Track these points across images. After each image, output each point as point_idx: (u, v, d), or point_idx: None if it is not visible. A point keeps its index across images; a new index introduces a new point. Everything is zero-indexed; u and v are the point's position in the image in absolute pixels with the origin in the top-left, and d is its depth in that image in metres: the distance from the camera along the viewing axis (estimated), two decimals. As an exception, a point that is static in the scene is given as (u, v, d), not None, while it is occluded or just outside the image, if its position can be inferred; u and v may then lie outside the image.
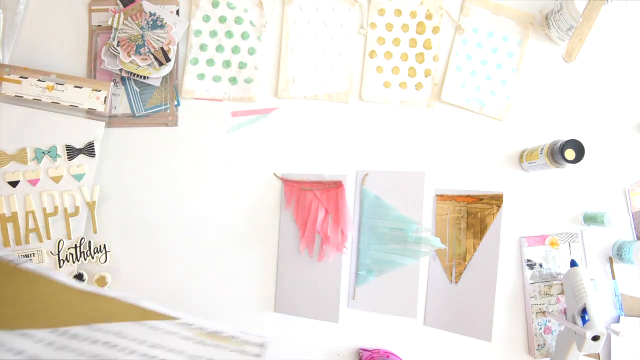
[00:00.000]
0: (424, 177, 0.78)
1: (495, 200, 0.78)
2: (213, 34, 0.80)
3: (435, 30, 0.81)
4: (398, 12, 0.81)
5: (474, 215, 0.78)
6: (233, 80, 0.80)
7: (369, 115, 0.80)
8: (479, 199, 0.78)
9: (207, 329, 0.51)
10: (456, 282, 0.77)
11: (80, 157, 0.75)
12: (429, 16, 0.81)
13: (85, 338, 0.46)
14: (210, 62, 0.80)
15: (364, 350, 0.76)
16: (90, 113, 0.76)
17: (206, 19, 0.80)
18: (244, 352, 0.53)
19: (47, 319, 0.47)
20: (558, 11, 0.77)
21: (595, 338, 0.67)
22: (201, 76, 0.79)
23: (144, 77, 0.77)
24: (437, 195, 0.79)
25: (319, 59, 0.80)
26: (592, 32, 0.73)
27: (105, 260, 0.75)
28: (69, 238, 0.74)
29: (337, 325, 0.77)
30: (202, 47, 0.80)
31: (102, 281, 0.75)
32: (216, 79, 0.80)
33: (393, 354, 0.75)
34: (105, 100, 0.76)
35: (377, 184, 0.77)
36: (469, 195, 0.78)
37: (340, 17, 0.81)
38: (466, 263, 0.77)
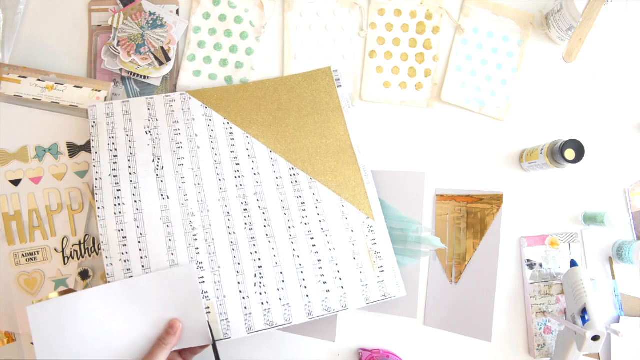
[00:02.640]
0: (424, 177, 0.78)
1: (496, 200, 0.78)
2: (212, 31, 0.80)
3: (435, 30, 0.81)
4: (398, 12, 0.81)
5: (474, 215, 0.78)
6: (229, 80, 0.80)
7: (369, 115, 0.80)
8: (479, 199, 0.78)
9: None
10: (456, 282, 0.77)
11: (82, 154, 0.76)
12: (429, 16, 0.81)
13: None
14: (207, 60, 0.80)
15: (364, 350, 0.76)
16: (91, 113, 0.76)
17: (206, 16, 0.80)
18: None
19: None
20: (558, 11, 0.77)
21: (595, 338, 0.67)
22: (197, 73, 0.79)
23: (144, 77, 0.77)
24: (437, 195, 0.79)
25: (323, 64, 0.80)
26: (592, 32, 0.73)
27: (108, 258, 0.75)
28: (74, 235, 0.74)
29: (337, 325, 0.77)
30: (200, 44, 0.80)
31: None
32: (212, 77, 0.80)
33: (393, 354, 0.75)
34: (105, 100, 0.76)
35: (378, 184, 0.77)
36: (469, 196, 0.78)
37: (341, 20, 0.81)
38: (466, 263, 0.77)
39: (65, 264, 0.74)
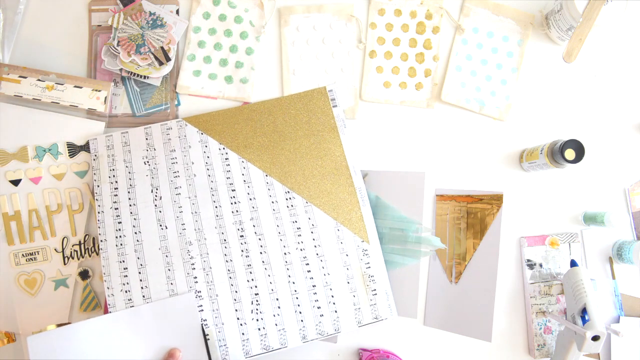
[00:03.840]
0: (424, 177, 0.78)
1: (496, 200, 0.78)
2: (212, 31, 0.80)
3: (435, 30, 0.81)
4: (398, 12, 0.81)
5: (474, 215, 0.78)
6: (229, 79, 0.80)
7: (369, 115, 0.80)
8: (479, 199, 0.78)
9: None
10: (456, 282, 0.77)
11: (82, 154, 0.76)
12: (429, 16, 0.81)
13: None
14: (207, 60, 0.80)
15: (364, 350, 0.76)
16: (91, 113, 0.76)
17: (206, 16, 0.80)
18: None
19: None
20: (558, 11, 0.77)
21: (595, 338, 0.67)
22: (197, 73, 0.79)
23: (144, 77, 0.77)
24: (437, 195, 0.79)
25: (322, 78, 0.80)
26: (592, 32, 0.73)
27: (107, 259, 0.75)
28: (74, 235, 0.74)
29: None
30: (200, 44, 0.80)
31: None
32: (212, 76, 0.80)
33: (393, 354, 0.75)
34: (105, 100, 0.76)
35: (377, 184, 0.77)
36: (469, 196, 0.78)
37: (338, 33, 0.81)
38: (466, 263, 0.77)
39: (65, 264, 0.74)
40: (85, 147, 0.76)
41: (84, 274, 0.74)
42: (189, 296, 0.69)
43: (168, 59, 0.76)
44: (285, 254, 0.72)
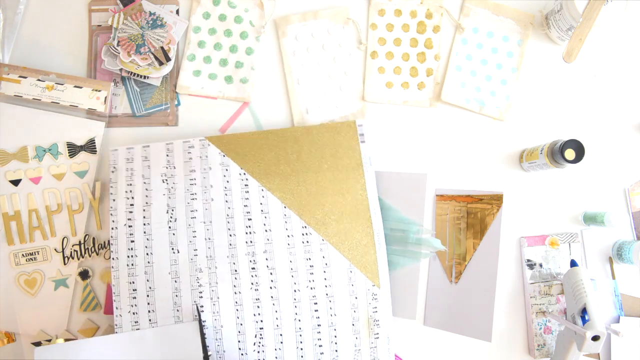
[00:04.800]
0: (426, 179, 0.78)
1: (495, 201, 0.78)
2: (212, 31, 0.80)
3: (436, 29, 0.81)
4: (398, 12, 0.81)
5: (474, 215, 0.78)
6: (229, 79, 0.80)
7: (372, 116, 0.80)
8: (479, 199, 0.78)
9: None
10: (456, 282, 0.77)
11: (82, 154, 0.75)
12: (429, 15, 0.81)
13: None
14: (207, 60, 0.80)
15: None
16: (91, 113, 0.76)
17: (206, 16, 0.80)
18: None
19: None
20: (558, 11, 0.77)
21: (595, 338, 0.67)
22: (197, 73, 0.79)
23: (144, 77, 0.77)
24: (437, 196, 0.79)
25: (327, 84, 0.80)
26: (592, 32, 0.73)
27: (110, 256, 0.75)
28: (73, 235, 0.74)
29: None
30: (200, 44, 0.80)
31: (107, 277, 0.75)
32: (212, 76, 0.80)
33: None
34: (105, 100, 0.76)
35: (380, 184, 0.77)
36: (469, 196, 0.78)
37: (337, 37, 0.81)
38: (466, 263, 0.77)
39: (65, 264, 0.74)
40: (85, 147, 0.76)
41: (84, 274, 0.74)
42: (194, 324, 0.67)
43: (168, 59, 0.76)
44: (295, 291, 0.71)
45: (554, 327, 0.77)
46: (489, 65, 0.81)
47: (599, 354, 0.77)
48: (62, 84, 0.75)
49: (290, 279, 0.71)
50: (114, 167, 0.73)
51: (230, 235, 0.71)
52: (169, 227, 0.71)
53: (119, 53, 0.75)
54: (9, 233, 0.73)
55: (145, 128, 0.78)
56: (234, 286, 0.70)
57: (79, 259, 0.74)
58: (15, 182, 0.74)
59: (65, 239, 0.74)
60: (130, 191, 0.72)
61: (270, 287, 0.71)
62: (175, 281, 0.70)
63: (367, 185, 0.74)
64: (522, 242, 0.78)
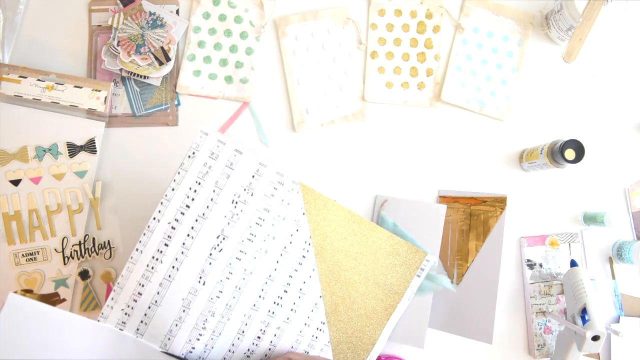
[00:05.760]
0: (444, 210, 0.76)
1: (499, 203, 0.78)
2: (212, 31, 0.80)
3: (436, 29, 0.81)
4: (398, 12, 0.81)
5: (477, 217, 0.78)
6: (229, 79, 0.80)
7: (372, 116, 0.80)
8: (483, 200, 0.78)
9: None
10: (458, 284, 0.77)
11: (82, 154, 0.75)
12: (429, 15, 0.81)
13: None
14: (207, 60, 0.80)
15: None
16: (91, 113, 0.76)
17: (206, 16, 0.80)
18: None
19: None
20: (558, 11, 0.77)
21: (595, 338, 0.67)
22: (197, 73, 0.79)
23: (144, 77, 0.77)
24: (440, 197, 0.79)
25: (327, 84, 0.80)
26: (592, 32, 0.73)
27: (110, 256, 0.75)
28: (73, 235, 0.74)
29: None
30: (200, 44, 0.80)
31: (107, 277, 0.75)
32: (212, 76, 0.80)
33: (396, 357, 0.76)
34: (105, 100, 0.76)
35: (396, 211, 0.76)
36: (472, 197, 0.78)
37: (337, 37, 0.81)
38: (468, 265, 0.77)
39: (65, 264, 0.74)
40: (85, 147, 0.76)
41: (84, 274, 0.74)
42: None
43: (168, 59, 0.76)
44: None
45: (554, 327, 0.77)
46: (489, 65, 0.81)
47: (599, 354, 0.77)
48: (62, 84, 0.75)
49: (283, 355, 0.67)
50: (193, 153, 0.62)
51: (260, 297, 0.64)
52: (210, 254, 0.62)
53: (119, 53, 0.75)
54: (9, 233, 0.73)
55: (145, 128, 0.78)
56: (232, 344, 0.64)
57: (79, 259, 0.74)
58: (15, 182, 0.74)
59: (65, 239, 0.74)
60: (195, 190, 0.62)
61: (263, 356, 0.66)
62: (184, 311, 0.62)
63: (393, 314, 0.69)
64: (522, 242, 0.78)
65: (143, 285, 0.61)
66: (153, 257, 0.61)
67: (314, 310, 0.67)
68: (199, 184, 0.62)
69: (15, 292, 0.58)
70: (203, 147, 0.62)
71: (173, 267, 0.61)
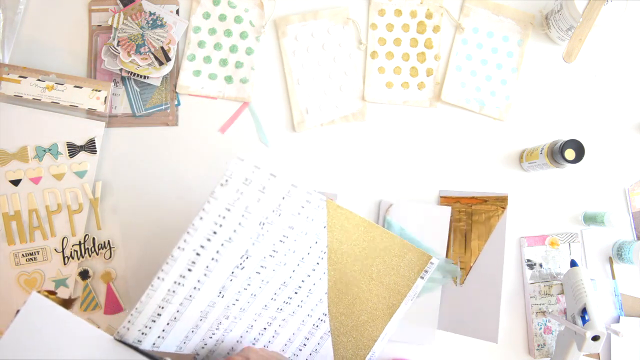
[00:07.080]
0: (449, 212, 0.77)
1: (500, 202, 0.78)
2: (212, 31, 0.80)
3: (436, 29, 0.81)
4: (398, 12, 0.81)
5: (479, 216, 0.78)
6: (229, 79, 0.80)
7: (372, 116, 0.80)
8: (484, 200, 0.78)
9: None
10: (461, 284, 0.77)
11: (82, 154, 0.75)
12: (429, 15, 0.81)
13: None
14: (207, 60, 0.80)
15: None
16: (91, 113, 0.76)
17: (206, 16, 0.80)
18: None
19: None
20: (558, 11, 0.77)
21: (595, 338, 0.67)
22: (197, 73, 0.79)
23: (144, 77, 0.77)
24: (441, 197, 0.79)
25: (327, 84, 0.80)
26: (592, 32, 0.73)
27: (110, 256, 0.75)
28: (73, 235, 0.74)
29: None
30: (200, 44, 0.80)
31: (107, 277, 0.75)
32: (212, 76, 0.80)
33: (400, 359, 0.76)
34: (105, 100, 0.76)
35: (402, 215, 0.76)
36: (473, 197, 0.78)
37: (337, 37, 0.81)
38: (471, 265, 0.77)
39: (65, 264, 0.74)
40: (85, 147, 0.76)
41: (84, 274, 0.74)
42: None
43: (168, 59, 0.76)
44: None
45: (554, 327, 0.77)
46: (489, 65, 0.81)
47: (599, 354, 0.77)
48: (62, 84, 0.75)
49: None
50: (226, 180, 0.59)
51: (272, 299, 0.66)
52: (232, 272, 0.62)
53: (119, 53, 0.75)
54: (9, 233, 0.73)
55: (145, 128, 0.78)
56: (241, 336, 0.67)
57: (79, 259, 0.74)
58: (15, 182, 0.74)
59: (65, 239, 0.74)
60: (224, 217, 0.59)
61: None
62: (201, 319, 0.62)
63: (394, 315, 0.72)
64: (522, 242, 0.78)
65: (162, 307, 0.60)
66: (175, 282, 0.59)
67: (318, 305, 0.69)
68: (229, 210, 0.59)
69: (39, 291, 0.57)
70: (236, 174, 0.59)
71: (194, 288, 0.60)
